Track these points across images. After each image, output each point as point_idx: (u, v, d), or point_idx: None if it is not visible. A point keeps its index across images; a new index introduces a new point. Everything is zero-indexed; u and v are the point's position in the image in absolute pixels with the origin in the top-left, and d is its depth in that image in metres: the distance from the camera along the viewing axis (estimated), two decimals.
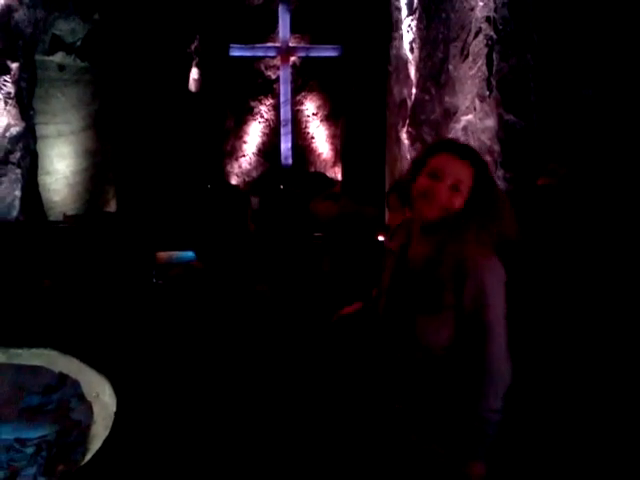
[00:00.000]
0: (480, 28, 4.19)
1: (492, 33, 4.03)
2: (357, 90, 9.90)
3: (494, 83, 3.98)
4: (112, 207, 9.08)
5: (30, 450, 1.61)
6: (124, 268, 3.65)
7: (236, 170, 11.46)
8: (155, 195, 8.45)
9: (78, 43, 8.28)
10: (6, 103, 6.06)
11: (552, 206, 2.82)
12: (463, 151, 1.65)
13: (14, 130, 6.20)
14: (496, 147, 3.99)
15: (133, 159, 8.98)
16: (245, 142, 11.50)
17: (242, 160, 11.51)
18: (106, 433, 1.53)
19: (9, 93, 6.11)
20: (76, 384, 1.86)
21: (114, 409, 1.61)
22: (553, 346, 2.60)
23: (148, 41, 8.91)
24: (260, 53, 11.22)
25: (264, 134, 11.52)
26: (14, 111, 6.21)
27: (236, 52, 10.97)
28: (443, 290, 1.57)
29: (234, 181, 11.28)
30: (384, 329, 1.72)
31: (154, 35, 8.97)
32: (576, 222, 2.72)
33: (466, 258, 1.56)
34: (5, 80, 6.07)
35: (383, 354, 1.71)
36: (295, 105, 11.40)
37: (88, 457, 1.48)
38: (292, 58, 11.19)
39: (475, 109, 4.22)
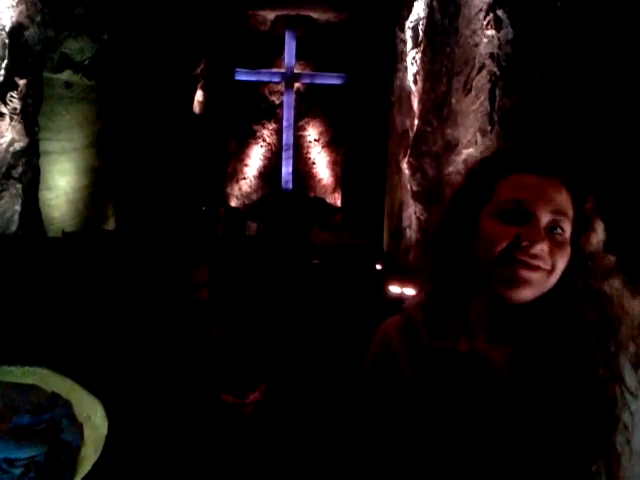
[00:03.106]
0: (484, 64, 4.26)
1: (495, 69, 4.09)
2: (359, 118, 10.00)
3: (496, 118, 4.02)
4: (111, 225, 9.10)
5: (18, 471, 1.58)
6: (121, 287, 3.65)
7: (236, 192, 11.51)
8: (154, 215, 8.47)
9: (86, 62, 8.37)
10: (12, 119, 6.10)
11: None
12: (551, 164, 0.97)
13: (18, 145, 6.23)
14: None
15: (134, 178, 9.02)
16: (246, 165, 11.57)
17: (242, 183, 11.57)
18: (96, 456, 1.51)
19: (15, 109, 6.16)
20: (68, 404, 1.83)
21: (105, 432, 1.59)
22: None
23: (155, 62, 9.02)
24: (265, 78, 11.35)
25: (265, 158, 11.60)
26: (19, 127, 6.25)
27: (241, 76, 11.10)
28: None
29: (234, 203, 11.32)
30: None
31: (161, 57, 9.09)
32: None
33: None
34: (12, 96, 6.12)
35: None
36: (297, 130, 11.50)
37: None
38: (296, 84, 11.32)
39: (476, 143, 4.27)
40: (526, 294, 0.92)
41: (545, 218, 0.92)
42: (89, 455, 1.66)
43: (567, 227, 0.94)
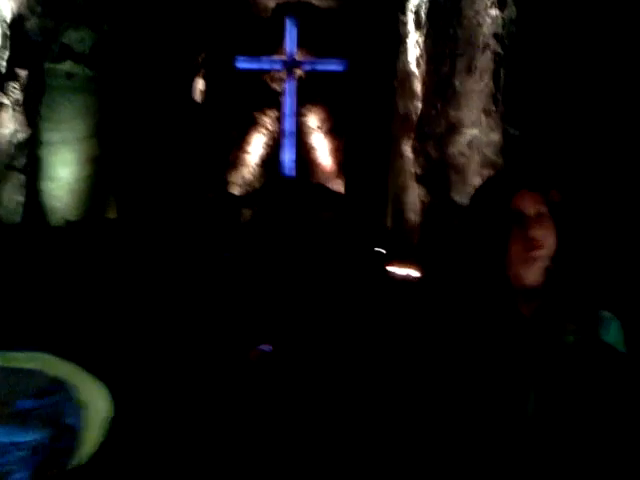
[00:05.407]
0: (487, 44, 4.21)
1: (499, 49, 4.05)
2: (361, 104, 9.93)
3: (500, 98, 3.98)
4: (113, 214, 9.08)
5: (22, 453, 1.55)
6: (122, 274, 3.63)
7: (238, 180, 11.48)
8: (156, 203, 8.45)
9: (86, 52, 8.33)
10: (14, 110, 6.09)
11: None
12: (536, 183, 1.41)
13: (20, 136, 6.22)
14: (499, 161, 3.99)
15: (135, 168, 9.00)
16: (248, 153, 11.53)
17: (245, 170, 11.53)
18: (100, 438, 1.48)
19: (17, 100, 6.14)
20: (70, 388, 1.80)
21: (109, 414, 1.56)
22: None
23: (155, 51, 8.96)
24: (266, 66, 11.28)
25: (267, 145, 11.55)
26: (21, 118, 6.24)
27: (242, 64, 11.03)
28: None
29: (236, 191, 11.29)
30: None
31: (161, 45, 9.03)
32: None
33: None
34: (14, 87, 6.10)
35: None
36: (299, 117, 11.44)
37: (80, 462, 1.43)
38: (298, 71, 11.24)
39: (480, 123, 4.22)
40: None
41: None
42: (93, 437, 1.65)
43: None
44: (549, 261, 1.35)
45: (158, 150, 9.04)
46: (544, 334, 1.29)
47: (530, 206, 1.34)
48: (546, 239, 1.34)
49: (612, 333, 1.32)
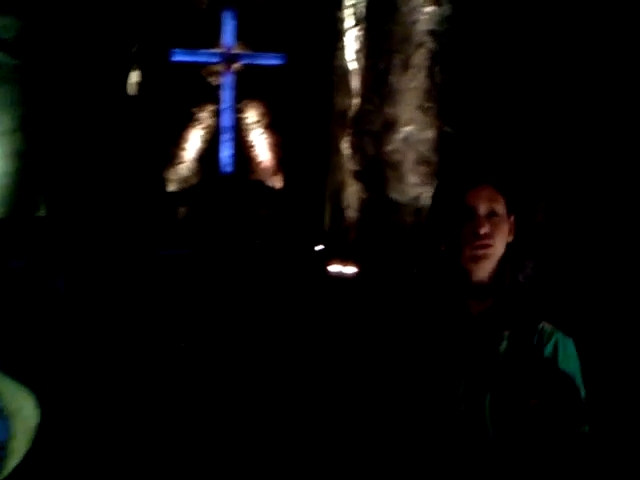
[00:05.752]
0: (423, 41, 4.27)
1: (434, 46, 4.11)
2: (300, 99, 9.93)
3: (435, 95, 4.05)
4: (43, 212, 8.73)
5: None
6: (51, 274, 3.49)
7: (174, 177, 11.25)
8: (88, 201, 8.19)
9: (11, 40, 7.96)
10: None
11: None
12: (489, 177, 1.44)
13: None
14: (434, 158, 4.06)
15: (65, 163, 8.66)
16: (185, 149, 11.31)
17: (181, 167, 11.31)
18: (26, 448, 1.42)
19: None
20: None
21: (36, 422, 1.49)
22: None
23: (86, 41, 8.64)
24: (202, 59, 11.07)
25: (205, 141, 11.35)
26: None
27: (178, 57, 10.79)
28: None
29: (172, 188, 11.06)
30: None
31: (92, 35, 8.72)
32: None
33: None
34: None
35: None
36: (237, 112, 11.31)
37: (5, 474, 1.36)
38: (235, 65, 11.10)
39: (416, 120, 4.28)
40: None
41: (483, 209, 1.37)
42: (19, 448, 1.57)
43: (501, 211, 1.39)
44: (500, 261, 1.38)
45: (90, 145, 8.74)
46: (481, 337, 1.32)
47: (482, 204, 1.36)
48: (494, 238, 1.36)
49: (551, 345, 1.34)
